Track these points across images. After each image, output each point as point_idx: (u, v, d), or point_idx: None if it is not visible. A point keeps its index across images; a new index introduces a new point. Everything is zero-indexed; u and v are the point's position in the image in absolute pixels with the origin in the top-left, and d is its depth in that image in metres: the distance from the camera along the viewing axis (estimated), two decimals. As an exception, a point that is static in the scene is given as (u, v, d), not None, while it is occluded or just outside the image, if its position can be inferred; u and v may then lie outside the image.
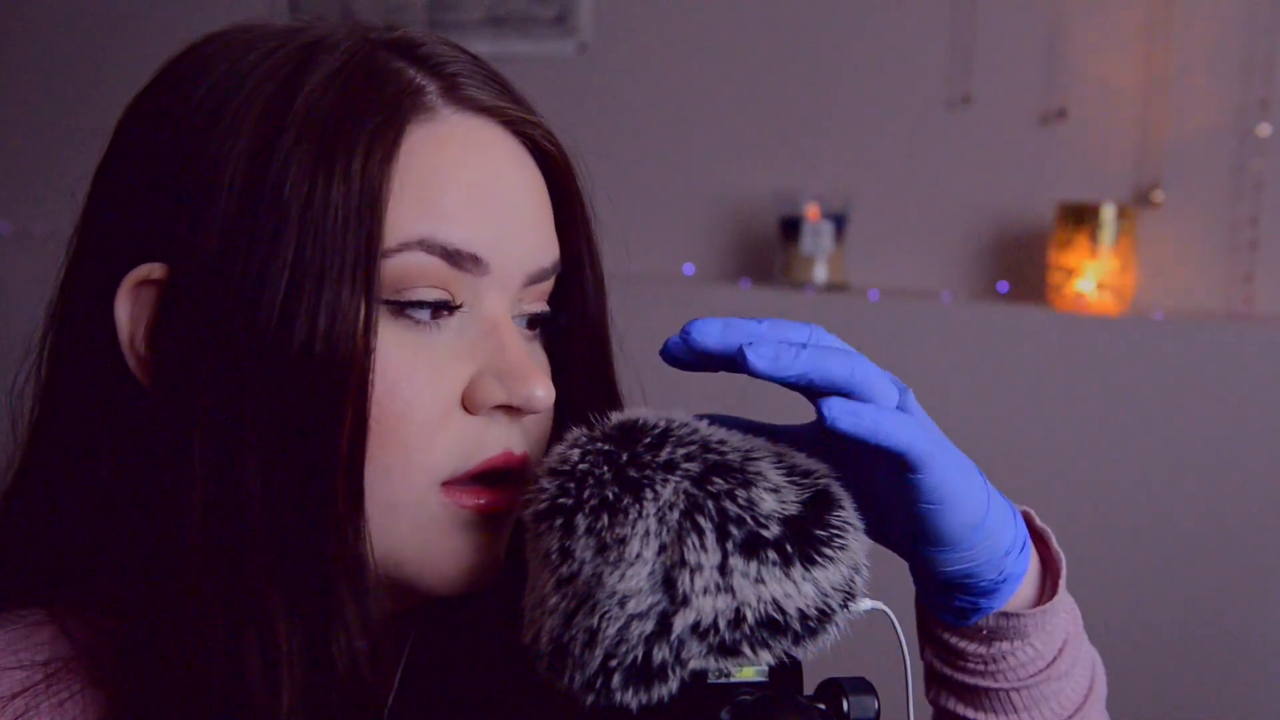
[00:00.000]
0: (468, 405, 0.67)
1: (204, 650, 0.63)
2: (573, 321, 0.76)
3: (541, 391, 0.68)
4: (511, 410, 0.68)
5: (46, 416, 0.72)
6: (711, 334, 0.63)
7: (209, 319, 0.64)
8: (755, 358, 0.61)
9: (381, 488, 0.65)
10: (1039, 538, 0.72)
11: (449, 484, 0.67)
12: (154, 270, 0.66)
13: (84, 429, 0.69)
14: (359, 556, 0.64)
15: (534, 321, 0.73)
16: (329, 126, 0.65)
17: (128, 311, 0.67)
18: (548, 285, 0.73)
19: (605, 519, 0.59)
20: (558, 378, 0.73)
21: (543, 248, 0.71)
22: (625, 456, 0.60)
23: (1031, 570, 0.70)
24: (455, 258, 0.66)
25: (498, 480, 0.69)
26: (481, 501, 0.68)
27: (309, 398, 0.63)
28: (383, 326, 0.65)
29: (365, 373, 0.64)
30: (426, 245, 0.66)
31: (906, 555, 0.69)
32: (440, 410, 0.66)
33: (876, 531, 0.67)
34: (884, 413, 0.61)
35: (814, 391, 0.62)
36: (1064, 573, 0.71)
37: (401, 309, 0.66)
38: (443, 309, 0.67)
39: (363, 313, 0.64)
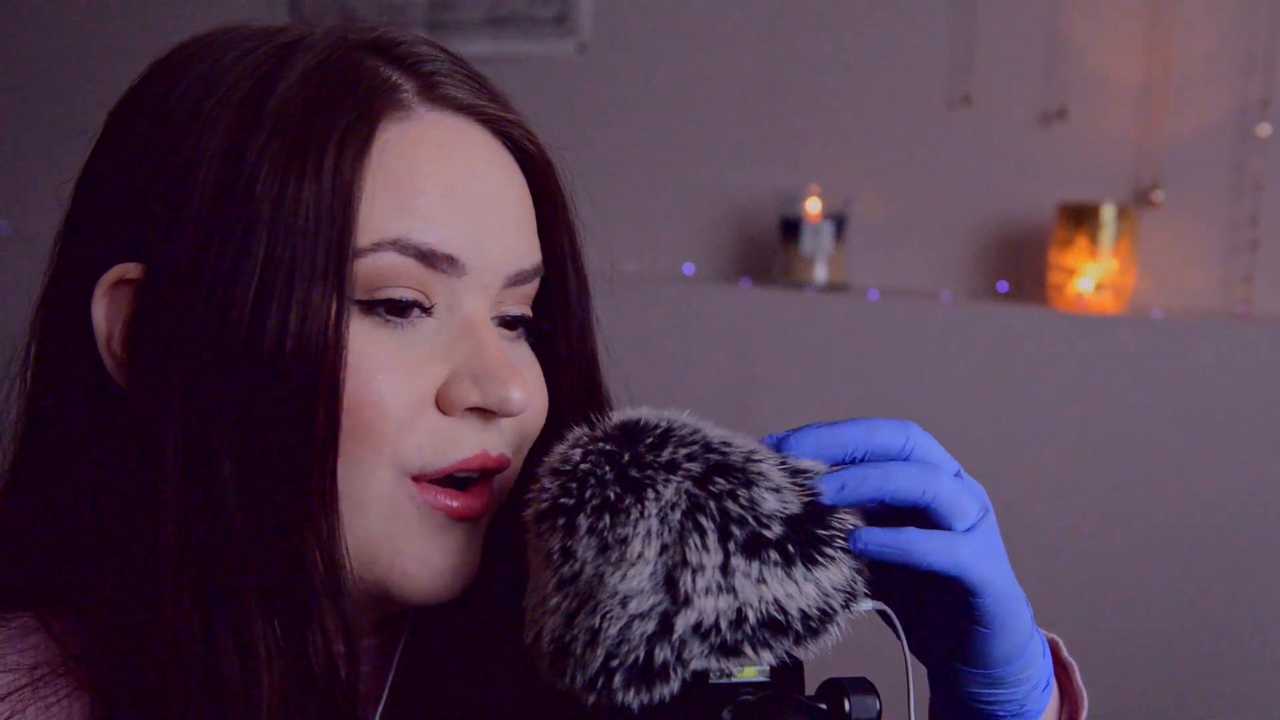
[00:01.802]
0: (441, 405, 0.67)
1: (182, 652, 0.63)
2: (556, 324, 0.75)
3: (517, 394, 0.67)
4: (486, 413, 0.68)
5: (30, 421, 0.71)
6: (805, 448, 0.63)
7: (182, 318, 0.64)
8: (823, 491, 0.62)
9: (352, 482, 0.65)
10: (1062, 667, 0.72)
11: (420, 479, 0.67)
12: (130, 270, 0.66)
13: (65, 431, 0.69)
14: (333, 556, 0.64)
15: (516, 322, 0.72)
16: (301, 124, 0.65)
17: (104, 311, 0.67)
18: (530, 288, 0.72)
19: (607, 519, 0.59)
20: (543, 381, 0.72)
21: (523, 249, 0.71)
22: (627, 456, 0.60)
23: (1050, 705, 0.70)
24: (430, 258, 0.66)
25: (471, 484, 0.68)
26: (454, 505, 0.67)
27: (280, 396, 0.63)
28: (356, 325, 0.65)
29: (337, 371, 0.63)
30: (400, 246, 0.65)
31: (934, 666, 0.69)
32: (413, 408, 0.66)
33: (910, 636, 0.67)
34: (926, 536, 0.62)
35: (888, 508, 0.63)
36: (1085, 712, 0.71)
37: (375, 308, 0.66)
38: (417, 308, 0.67)
39: (334, 311, 0.63)
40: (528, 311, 0.73)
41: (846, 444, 0.63)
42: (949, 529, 0.63)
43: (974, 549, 0.62)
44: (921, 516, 0.63)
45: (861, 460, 0.63)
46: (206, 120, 0.65)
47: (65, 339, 0.69)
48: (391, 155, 0.66)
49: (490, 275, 0.69)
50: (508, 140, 0.72)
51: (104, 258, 0.67)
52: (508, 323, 0.71)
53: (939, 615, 0.66)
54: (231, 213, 0.63)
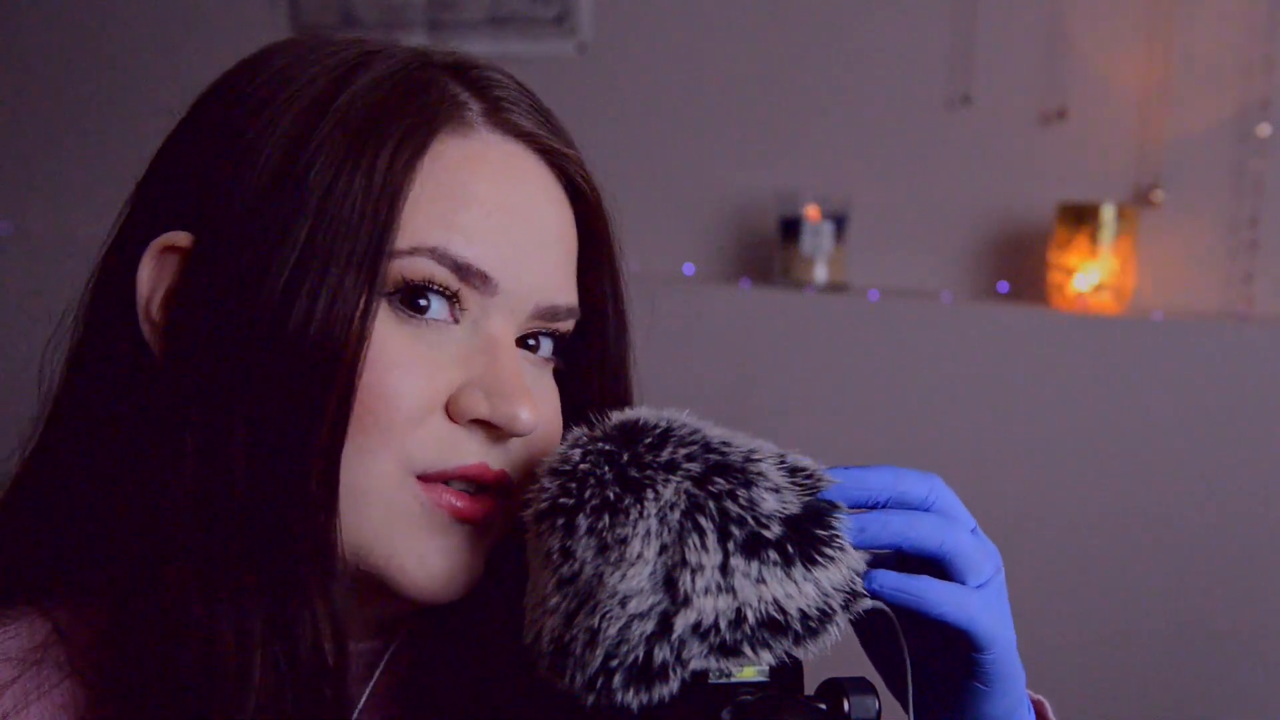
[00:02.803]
0: (451, 412, 0.68)
1: (181, 635, 0.64)
2: (591, 365, 0.76)
3: (525, 414, 0.68)
4: (492, 429, 0.68)
5: (67, 385, 0.73)
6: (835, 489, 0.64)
7: (218, 290, 0.66)
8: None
9: (356, 472, 0.65)
10: None
11: (425, 478, 0.67)
12: (179, 238, 0.68)
13: (98, 398, 0.70)
14: (328, 544, 0.65)
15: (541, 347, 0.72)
16: (364, 123, 0.67)
17: (149, 273, 0.68)
18: (562, 327, 0.73)
19: (607, 519, 0.59)
20: (573, 416, 0.72)
21: (558, 283, 0.72)
22: (626, 456, 0.60)
23: None
24: (464, 272, 0.67)
25: (476, 491, 0.69)
26: (458, 504, 0.68)
27: (298, 378, 0.64)
28: (383, 320, 0.66)
29: (355, 360, 0.64)
30: (438, 255, 0.67)
31: (920, 717, 0.69)
32: (423, 408, 0.67)
33: (896, 688, 0.68)
34: (940, 586, 0.63)
35: (906, 555, 0.64)
36: None
37: (402, 307, 0.67)
38: (444, 314, 0.68)
39: (362, 303, 0.65)
40: (553, 346, 0.73)
41: (872, 488, 0.64)
42: (962, 583, 0.64)
43: (985, 604, 0.63)
44: (935, 568, 0.64)
45: (884, 506, 0.64)
46: (278, 109, 0.68)
47: (110, 298, 0.71)
48: (445, 167, 0.68)
49: (520, 301, 0.70)
50: (563, 176, 0.73)
51: (160, 224, 0.69)
52: (531, 348, 0.72)
53: (937, 670, 0.67)
54: (283, 196, 0.66)
